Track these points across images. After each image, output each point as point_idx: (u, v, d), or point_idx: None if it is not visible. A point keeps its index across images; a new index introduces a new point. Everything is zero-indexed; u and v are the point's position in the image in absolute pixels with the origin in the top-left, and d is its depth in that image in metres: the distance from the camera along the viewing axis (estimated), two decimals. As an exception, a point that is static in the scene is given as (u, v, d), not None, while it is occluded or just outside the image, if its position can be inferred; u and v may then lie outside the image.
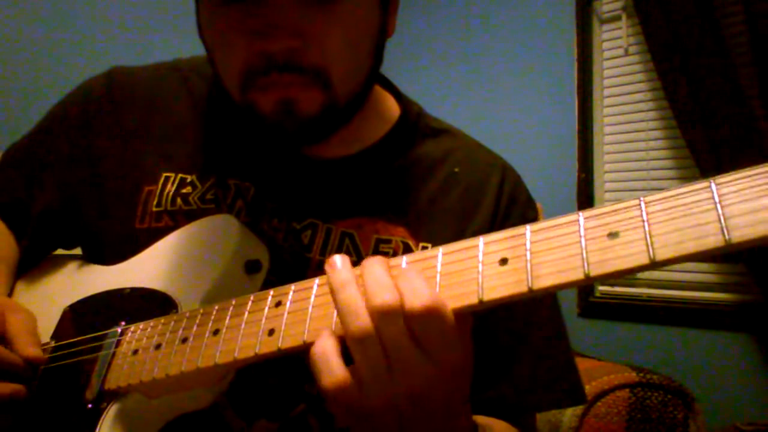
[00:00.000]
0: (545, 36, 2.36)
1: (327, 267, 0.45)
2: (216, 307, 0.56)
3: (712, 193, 0.36)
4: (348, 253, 0.66)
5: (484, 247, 0.44)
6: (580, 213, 0.41)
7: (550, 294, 0.51)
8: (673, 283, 2.04)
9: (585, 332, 2.12)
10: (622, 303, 2.12)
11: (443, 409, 0.44)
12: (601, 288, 2.20)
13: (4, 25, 1.81)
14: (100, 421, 0.58)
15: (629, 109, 2.17)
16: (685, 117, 1.86)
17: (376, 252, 0.66)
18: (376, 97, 0.74)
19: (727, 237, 0.34)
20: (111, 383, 0.59)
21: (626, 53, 2.17)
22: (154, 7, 2.12)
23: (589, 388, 1.44)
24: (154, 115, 0.75)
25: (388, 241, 0.67)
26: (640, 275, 2.11)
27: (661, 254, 0.36)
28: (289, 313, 0.50)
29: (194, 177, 0.70)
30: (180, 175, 0.71)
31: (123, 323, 0.64)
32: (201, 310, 0.57)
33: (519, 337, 0.69)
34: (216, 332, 0.54)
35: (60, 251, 0.81)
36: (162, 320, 0.60)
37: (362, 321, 0.41)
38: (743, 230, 0.34)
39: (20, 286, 0.76)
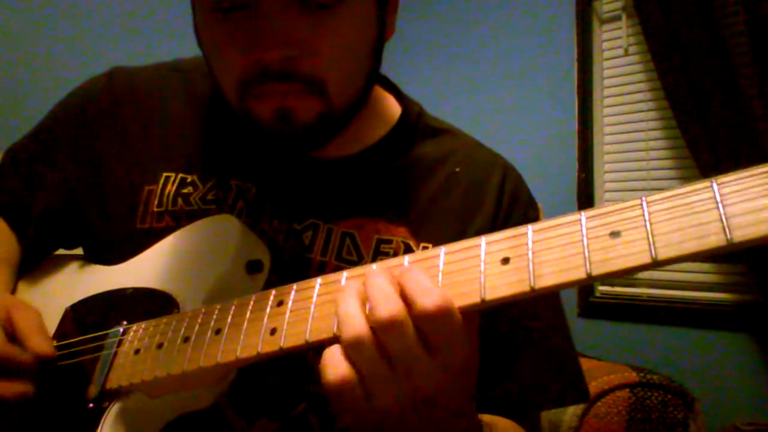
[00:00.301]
0: (545, 36, 2.36)
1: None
2: (218, 307, 0.56)
3: (714, 192, 0.36)
4: (349, 253, 0.66)
5: (486, 246, 0.44)
6: (582, 212, 0.41)
7: (553, 293, 0.52)
8: (673, 283, 2.04)
9: (585, 332, 2.12)
10: (622, 303, 2.12)
11: (450, 409, 0.45)
12: (601, 288, 2.20)
13: (4, 25, 1.81)
14: (102, 421, 0.58)
15: (629, 109, 2.17)
16: (685, 117, 1.86)
17: (377, 252, 0.66)
18: (376, 97, 0.74)
19: (728, 236, 0.34)
20: (113, 382, 0.59)
21: (626, 53, 2.17)
22: (154, 7, 2.12)
23: (589, 388, 1.44)
24: (155, 114, 0.75)
25: (389, 242, 0.67)
26: (640, 275, 2.11)
27: (663, 253, 0.36)
28: (291, 312, 0.50)
29: (195, 177, 0.70)
30: (180, 175, 0.71)
31: (125, 323, 0.64)
32: (203, 310, 0.57)
33: (522, 335, 0.69)
34: (218, 331, 0.54)
35: (61, 251, 0.81)
36: (164, 320, 0.60)
37: (358, 327, 0.41)
38: (745, 230, 0.34)
39: (22, 286, 0.76)
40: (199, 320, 0.56)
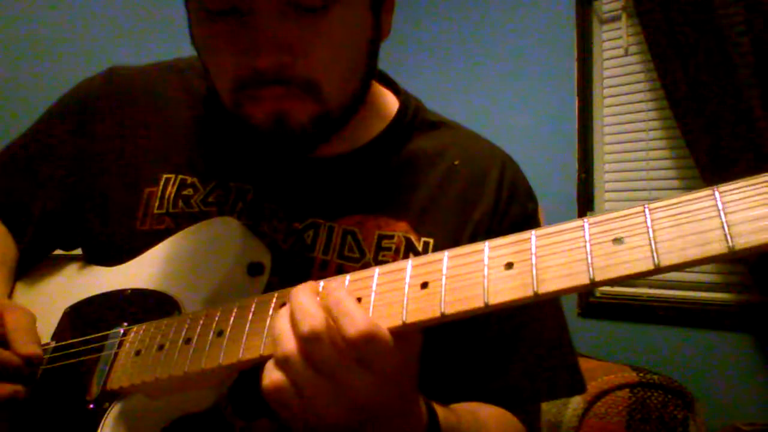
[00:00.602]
0: (545, 36, 2.36)
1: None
2: (220, 309, 0.56)
3: (716, 200, 0.37)
4: (351, 250, 0.66)
5: (489, 251, 0.44)
6: (585, 219, 0.41)
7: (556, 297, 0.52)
8: (673, 283, 2.04)
9: (585, 332, 2.12)
10: (622, 303, 2.12)
11: (390, 411, 0.47)
12: (601, 288, 2.20)
13: (4, 25, 1.81)
14: (102, 422, 0.58)
15: (629, 109, 2.16)
16: (685, 117, 1.86)
17: (379, 248, 0.66)
18: (374, 93, 0.73)
19: (730, 244, 0.35)
20: (113, 383, 0.59)
21: (626, 53, 2.17)
22: (154, 7, 2.12)
23: (589, 389, 1.44)
24: (153, 114, 0.75)
25: (391, 237, 0.67)
26: (640, 275, 2.11)
27: (666, 260, 0.36)
28: (293, 315, 0.49)
29: (195, 179, 0.70)
30: (180, 177, 0.71)
31: (125, 324, 0.64)
32: (204, 312, 0.57)
33: (518, 328, 0.69)
34: (220, 333, 0.54)
35: (60, 252, 0.80)
36: (165, 321, 0.60)
37: (285, 342, 0.45)
38: (746, 237, 0.35)
39: (20, 288, 0.76)
40: (201, 322, 0.56)
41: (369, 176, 0.70)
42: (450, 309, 0.43)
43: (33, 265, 0.78)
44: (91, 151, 0.75)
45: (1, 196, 0.78)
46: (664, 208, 0.38)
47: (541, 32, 2.37)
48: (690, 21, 1.81)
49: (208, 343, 0.54)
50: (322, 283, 0.51)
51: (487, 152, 0.76)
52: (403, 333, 0.45)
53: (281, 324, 0.47)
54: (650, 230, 0.38)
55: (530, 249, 0.42)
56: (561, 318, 0.73)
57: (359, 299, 0.47)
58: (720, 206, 0.36)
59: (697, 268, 1.98)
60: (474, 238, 0.67)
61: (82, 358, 0.64)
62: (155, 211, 0.70)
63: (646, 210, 0.39)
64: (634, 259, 0.37)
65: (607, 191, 2.22)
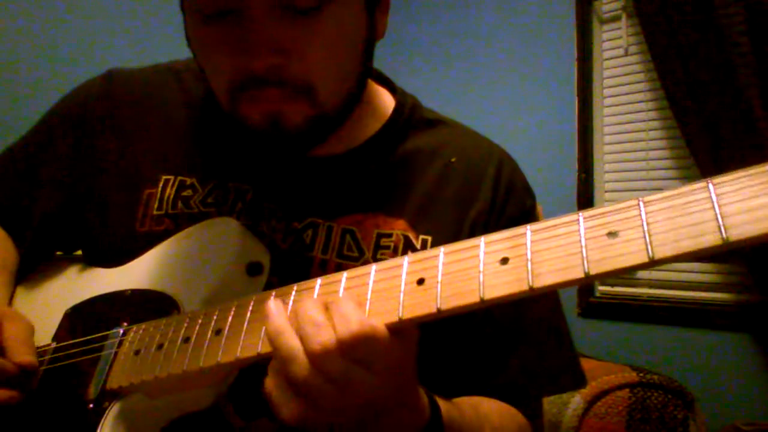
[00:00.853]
0: (545, 36, 2.36)
1: (264, 317, 0.49)
2: (218, 308, 0.56)
3: (710, 192, 0.37)
4: (350, 249, 0.66)
5: (485, 246, 0.44)
6: (580, 213, 0.41)
7: (552, 291, 0.53)
8: (673, 283, 2.04)
9: (585, 332, 2.12)
10: (622, 303, 2.12)
11: (393, 404, 0.47)
12: (601, 288, 2.20)
13: (4, 25, 1.81)
14: (102, 421, 0.58)
15: (629, 109, 2.16)
16: (685, 117, 1.86)
17: (378, 247, 0.67)
18: (370, 92, 0.74)
19: (724, 235, 0.35)
20: (113, 383, 0.60)
21: (626, 53, 2.17)
22: (154, 8, 2.12)
23: (589, 388, 1.44)
24: (152, 116, 0.75)
25: (389, 235, 0.67)
26: (640, 275, 2.11)
27: (660, 252, 0.36)
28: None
29: (194, 180, 0.71)
30: (180, 178, 0.71)
31: (125, 324, 0.64)
32: (203, 311, 0.57)
33: (519, 324, 0.69)
34: (218, 332, 0.54)
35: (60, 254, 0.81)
36: (164, 321, 0.60)
37: (301, 366, 0.45)
38: (741, 228, 0.35)
39: (21, 290, 0.76)
40: (200, 321, 0.56)
41: (366, 175, 0.71)
42: (446, 304, 0.43)
43: (34, 268, 0.78)
44: (91, 154, 0.75)
45: (0, 199, 0.78)
46: (659, 201, 0.38)
47: (541, 32, 2.37)
48: (690, 21, 1.80)
49: (206, 342, 0.54)
50: (319, 280, 0.51)
51: (484, 149, 0.76)
52: (399, 329, 0.45)
53: (288, 342, 0.46)
54: (644, 223, 0.38)
55: (525, 244, 0.42)
56: (560, 313, 0.74)
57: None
58: (714, 198, 0.36)
59: (697, 268, 1.98)
60: (472, 235, 0.67)
61: (81, 358, 0.64)
62: (154, 212, 0.70)
63: (641, 203, 0.39)
64: (628, 252, 0.38)
65: (607, 191, 2.22)
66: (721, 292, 1.94)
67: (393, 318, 0.45)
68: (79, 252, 0.79)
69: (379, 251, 0.66)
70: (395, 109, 0.75)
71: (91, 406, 0.60)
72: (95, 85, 0.78)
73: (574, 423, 1.42)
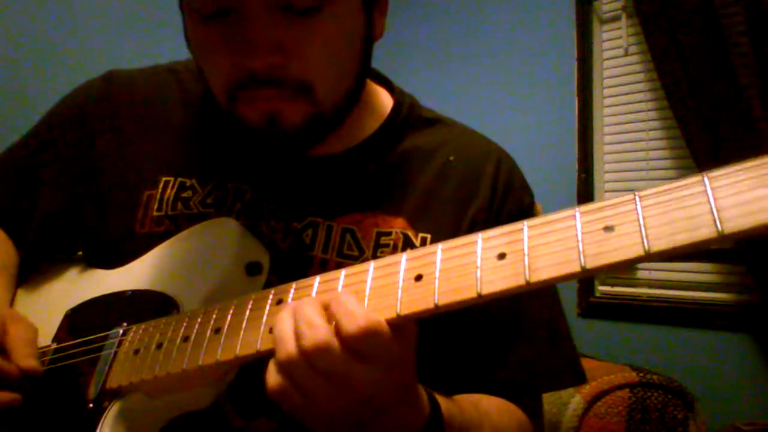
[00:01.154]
0: (545, 36, 2.36)
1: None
2: (217, 307, 0.56)
3: (705, 186, 0.37)
4: (350, 248, 0.67)
5: (482, 242, 0.44)
6: (577, 208, 0.42)
7: (549, 286, 0.53)
8: (673, 283, 2.04)
9: (585, 332, 2.12)
10: (622, 303, 2.12)
11: (393, 400, 0.47)
12: (601, 288, 2.20)
13: (4, 25, 1.81)
14: (102, 420, 0.59)
15: (629, 109, 2.17)
16: (685, 117, 1.86)
17: (377, 245, 0.67)
18: (368, 92, 0.74)
19: (719, 228, 0.35)
20: (112, 382, 0.60)
21: (626, 53, 2.17)
22: (154, 8, 2.12)
23: (589, 388, 1.44)
24: (152, 118, 0.75)
25: (389, 234, 0.67)
26: (640, 275, 2.11)
27: (656, 246, 0.37)
28: (290, 310, 0.50)
29: (194, 181, 0.71)
30: (179, 179, 0.71)
31: (125, 324, 0.64)
32: (202, 310, 0.57)
33: (518, 319, 0.69)
34: (218, 330, 0.54)
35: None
36: (163, 320, 0.60)
37: (297, 364, 0.45)
38: (736, 221, 0.35)
39: (22, 291, 0.76)
40: (199, 320, 0.57)
41: (365, 174, 0.71)
42: (443, 300, 0.44)
43: (34, 269, 0.78)
44: (91, 155, 0.75)
45: (0, 200, 0.79)
46: (654, 196, 0.39)
47: (541, 32, 2.37)
48: (690, 21, 1.81)
49: (205, 340, 0.54)
50: (318, 278, 0.51)
51: (483, 148, 0.76)
52: (398, 325, 0.45)
53: (285, 328, 0.47)
54: (640, 217, 0.38)
55: (522, 239, 0.42)
56: (560, 311, 0.74)
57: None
58: (709, 191, 0.36)
59: (697, 268, 1.98)
60: (471, 232, 0.67)
61: (82, 359, 0.64)
62: (154, 213, 0.70)
63: (636, 198, 0.39)
64: (624, 246, 0.38)
65: (607, 191, 2.22)
66: (721, 292, 1.94)
67: (391, 314, 0.45)
68: (80, 254, 0.79)
69: (378, 250, 0.67)
70: (393, 109, 0.75)
71: (90, 405, 0.60)
72: (95, 86, 0.79)
73: (574, 423, 1.42)
